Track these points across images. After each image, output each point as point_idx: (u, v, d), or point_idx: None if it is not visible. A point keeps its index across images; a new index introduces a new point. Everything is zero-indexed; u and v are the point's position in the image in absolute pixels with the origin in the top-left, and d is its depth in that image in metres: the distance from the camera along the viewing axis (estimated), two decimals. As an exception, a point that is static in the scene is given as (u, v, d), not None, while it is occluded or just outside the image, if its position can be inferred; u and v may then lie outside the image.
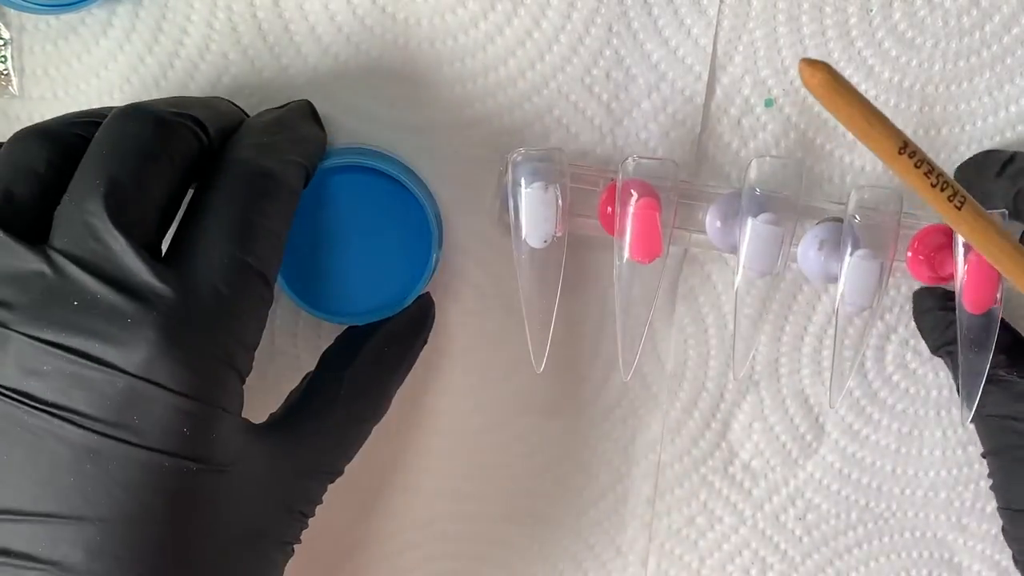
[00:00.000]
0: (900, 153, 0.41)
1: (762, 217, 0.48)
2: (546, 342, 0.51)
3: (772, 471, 0.55)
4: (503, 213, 0.50)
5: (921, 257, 0.49)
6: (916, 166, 0.41)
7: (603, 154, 0.51)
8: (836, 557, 0.56)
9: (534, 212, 0.48)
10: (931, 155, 0.52)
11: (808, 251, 0.49)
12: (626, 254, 0.48)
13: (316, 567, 0.53)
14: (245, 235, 0.40)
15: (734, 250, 0.49)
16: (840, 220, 0.49)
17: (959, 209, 0.42)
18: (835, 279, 0.48)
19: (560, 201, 0.48)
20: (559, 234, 0.49)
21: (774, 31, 0.51)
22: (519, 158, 0.48)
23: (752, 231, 0.48)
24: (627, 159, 0.48)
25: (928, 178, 0.41)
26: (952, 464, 0.55)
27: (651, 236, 0.48)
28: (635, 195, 0.48)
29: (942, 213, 0.43)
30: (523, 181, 0.48)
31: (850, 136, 0.52)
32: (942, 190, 0.42)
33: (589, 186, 0.50)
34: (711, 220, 0.49)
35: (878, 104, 0.52)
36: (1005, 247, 0.44)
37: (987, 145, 0.53)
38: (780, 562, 0.56)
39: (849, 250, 0.48)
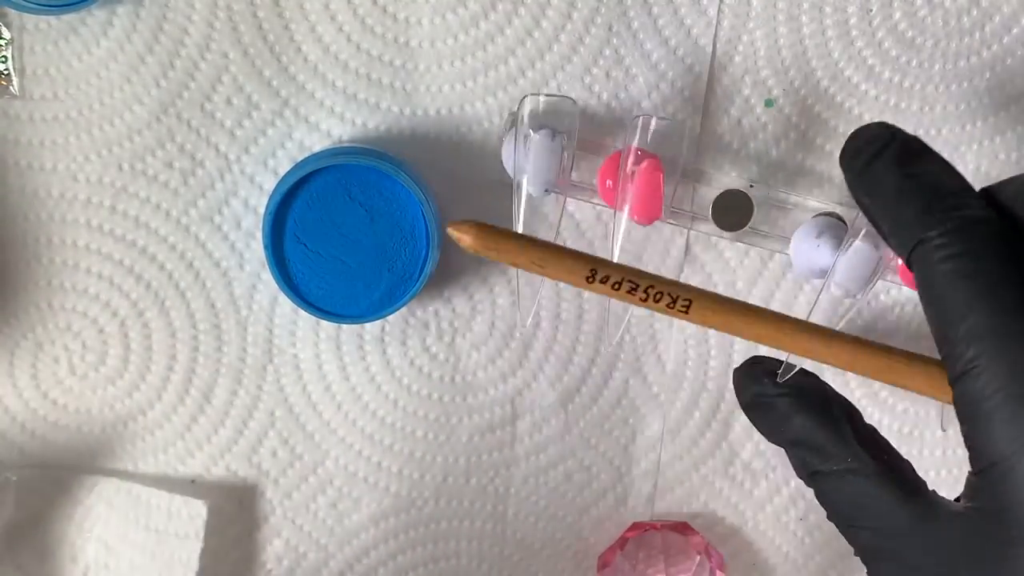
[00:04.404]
0: (590, 281, 0.37)
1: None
2: (535, 295, 0.50)
3: (773, 471, 0.55)
4: (505, 161, 0.50)
5: None
6: (615, 288, 0.37)
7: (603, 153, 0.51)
8: (838, 559, 0.56)
9: (539, 159, 0.47)
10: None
11: (805, 240, 0.49)
12: (625, 216, 0.47)
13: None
14: None
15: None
16: (836, 216, 0.49)
17: (687, 312, 0.38)
18: (823, 274, 0.48)
19: (565, 151, 0.47)
20: (560, 186, 0.48)
21: (774, 31, 0.51)
22: (529, 103, 0.47)
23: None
24: (636, 117, 0.48)
25: (634, 295, 0.37)
26: (952, 464, 0.55)
27: (653, 197, 0.47)
28: (640, 156, 0.47)
29: (674, 317, 0.38)
30: (531, 127, 0.47)
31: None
32: (656, 300, 0.37)
33: (592, 154, 0.49)
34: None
35: (879, 103, 0.52)
36: (758, 328, 0.39)
37: (987, 145, 0.53)
38: (783, 563, 0.56)
39: (851, 236, 0.47)
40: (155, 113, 0.50)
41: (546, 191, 0.47)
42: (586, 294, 0.53)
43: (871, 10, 0.51)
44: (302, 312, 0.51)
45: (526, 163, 0.47)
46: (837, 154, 0.52)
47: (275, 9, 0.49)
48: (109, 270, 0.51)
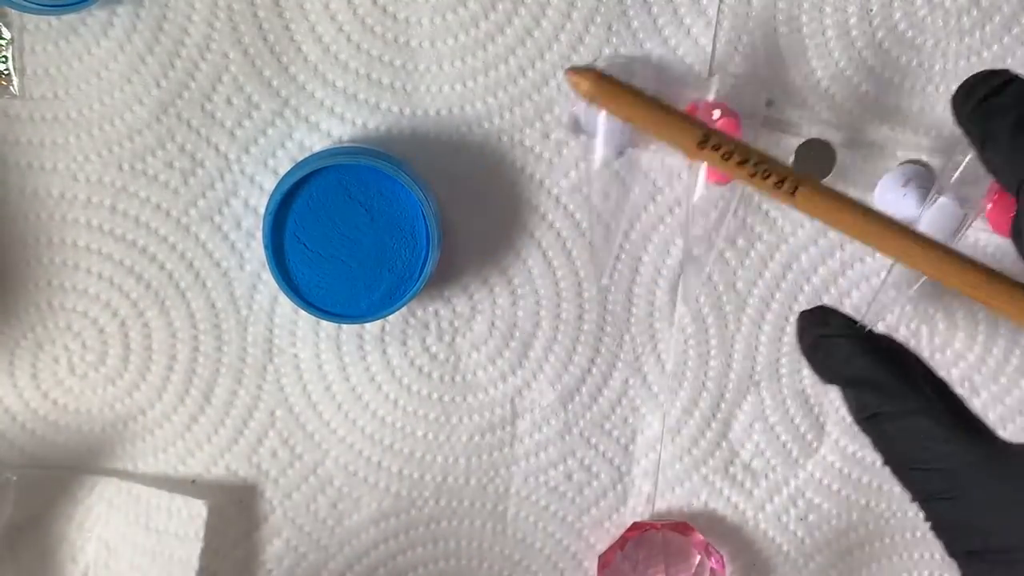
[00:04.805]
0: (701, 147, 0.36)
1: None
2: (610, 256, 0.49)
3: (773, 471, 0.55)
4: (575, 122, 0.49)
5: (1001, 207, 0.47)
6: (725, 157, 0.36)
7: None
8: (839, 559, 0.56)
9: (612, 121, 0.46)
10: (932, 154, 0.52)
11: (891, 189, 0.47)
12: (702, 176, 0.46)
13: (316, 567, 0.54)
14: None
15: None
16: (922, 164, 0.48)
17: (793, 196, 0.36)
18: (911, 222, 0.47)
19: None
20: (634, 147, 0.46)
21: (774, 31, 0.51)
22: (602, 64, 0.46)
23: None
24: (713, 75, 0.46)
25: (744, 167, 0.36)
26: (953, 464, 0.55)
27: None
28: (717, 114, 0.46)
29: (777, 200, 0.37)
30: None
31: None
32: (764, 177, 0.36)
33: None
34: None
35: (878, 102, 0.52)
36: (863, 225, 0.37)
37: (987, 145, 0.53)
38: (783, 563, 0.56)
39: (936, 191, 0.46)
40: (155, 113, 0.50)
41: (620, 153, 0.46)
42: (586, 294, 0.53)
43: (871, 10, 0.51)
44: (302, 312, 0.51)
45: (598, 126, 0.45)
46: (920, 100, 0.51)
47: (275, 9, 0.49)
48: (109, 270, 0.51)
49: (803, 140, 0.48)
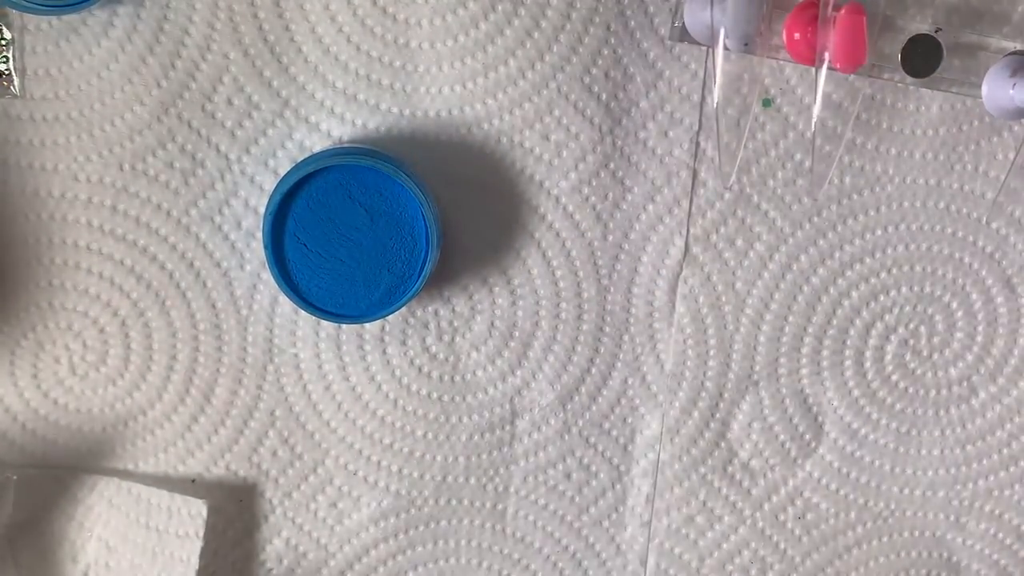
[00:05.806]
0: None
1: None
2: (737, 154, 0.48)
3: (771, 470, 0.55)
4: (682, 31, 0.47)
5: None
6: None
7: (603, 153, 0.52)
8: (835, 557, 0.56)
9: (738, 9, 0.45)
10: (931, 154, 0.52)
11: (998, 80, 0.47)
12: (825, 69, 0.45)
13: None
14: None
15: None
16: None
17: None
18: (1020, 114, 0.46)
19: (766, 4, 0.45)
20: (761, 39, 0.45)
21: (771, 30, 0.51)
22: None
23: None
24: None
25: None
26: (950, 463, 0.55)
27: (857, 42, 0.45)
28: (840, 3, 0.45)
29: None
30: None
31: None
32: None
33: (778, 9, 0.47)
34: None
35: (876, 101, 0.52)
36: None
37: (984, 144, 0.53)
38: (779, 562, 0.56)
39: None
40: (156, 113, 0.50)
41: (745, 45, 0.45)
42: (585, 294, 0.53)
43: (869, 11, 0.51)
44: (302, 312, 0.51)
45: (724, 14, 0.44)
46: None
47: (275, 10, 0.50)
48: (110, 270, 0.51)
49: (910, 36, 0.47)
